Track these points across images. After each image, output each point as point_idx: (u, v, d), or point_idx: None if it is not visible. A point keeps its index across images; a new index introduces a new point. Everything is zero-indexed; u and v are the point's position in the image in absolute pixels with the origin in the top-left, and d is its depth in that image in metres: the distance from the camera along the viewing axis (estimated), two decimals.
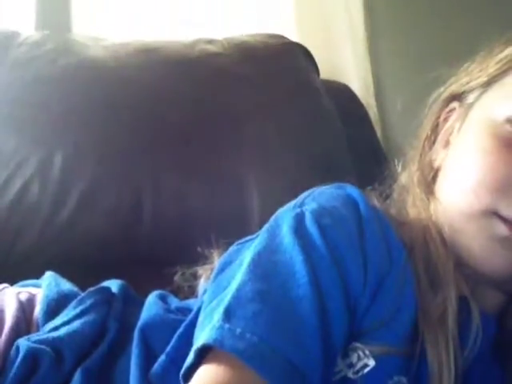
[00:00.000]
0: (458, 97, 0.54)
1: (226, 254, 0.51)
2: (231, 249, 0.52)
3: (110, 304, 0.54)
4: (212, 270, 0.53)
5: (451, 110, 0.55)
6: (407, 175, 0.55)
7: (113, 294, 0.56)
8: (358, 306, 0.44)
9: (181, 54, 0.91)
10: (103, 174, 0.80)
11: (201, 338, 0.41)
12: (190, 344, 0.44)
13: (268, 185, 0.82)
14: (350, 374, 0.43)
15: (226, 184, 0.82)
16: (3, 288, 0.56)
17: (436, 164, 0.53)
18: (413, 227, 0.50)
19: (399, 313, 0.45)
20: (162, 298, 0.56)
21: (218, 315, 0.41)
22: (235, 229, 0.76)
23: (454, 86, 0.55)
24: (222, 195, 0.81)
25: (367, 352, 0.43)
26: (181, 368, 0.42)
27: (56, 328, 0.51)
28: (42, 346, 0.48)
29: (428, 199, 0.52)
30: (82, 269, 0.70)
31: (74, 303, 0.53)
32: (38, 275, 0.61)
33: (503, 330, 0.50)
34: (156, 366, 0.47)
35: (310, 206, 0.46)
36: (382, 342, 0.44)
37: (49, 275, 0.59)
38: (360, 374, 0.43)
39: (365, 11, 1.10)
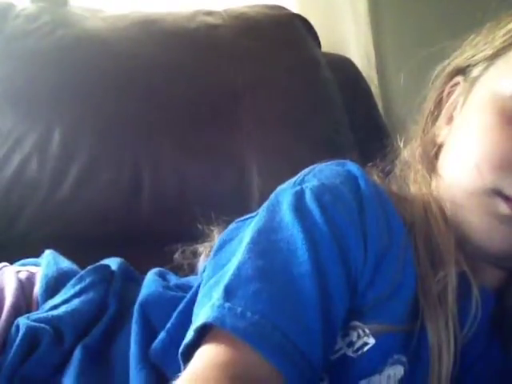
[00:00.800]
0: (462, 71, 0.53)
1: (225, 232, 0.51)
2: (231, 226, 0.51)
3: (109, 282, 0.54)
4: (212, 247, 0.53)
5: (455, 84, 0.53)
6: (409, 151, 0.55)
7: (112, 272, 0.56)
8: (358, 282, 0.44)
9: (179, 26, 0.89)
10: (102, 149, 0.79)
11: (200, 316, 0.41)
12: (190, 321, 0.44)
13: (268, 161, 0.81)
14: (350, 353, 0.43)
15: (225, 160, 0.81)
16: (2, 267, 0.56)
17: (439, 140, 0.53)
18: (414, 203, 0.50)
19: (399, 290, 0.45)
20: (162, 275, 0.56)
21: (217, 293, 0.41)
22: (235, 206, 0.76)
23: (458, 60, 0.53)
24: (221, 172, 0.81)
25: (367, 330, 0.43)
26: (180, 345, 0.42)
27: (55, 306, 0.51)
28: (42, 325, 0.49)
29: (430, 176, 0.51)
30: (81, 245, 0.70)
31: (73, 281, 0.53)
32: (37, 251, 0.60)
33: (503, 307, 0.50)
34: (156, 342, 0.47)
35: (309, 183, 0.46)
36: (381, 320, 0.44)
37: (48, 253, 0.59)
38: (360, 352, 0.43)
39: None
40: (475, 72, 0.51)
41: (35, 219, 0.77)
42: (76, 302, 0.51)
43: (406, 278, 0.45)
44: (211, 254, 0.50)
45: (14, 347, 0.48)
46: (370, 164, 0.54)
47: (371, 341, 0.43)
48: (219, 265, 0.46)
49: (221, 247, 0.49)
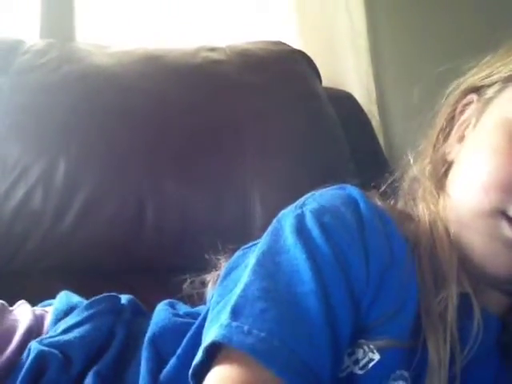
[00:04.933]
0: (476, 89, 0.53)
1: (231, 259, 0.52)
2: (237, 254, 0.52)
3: (119, 312, 0.55)
4: (219, 276, 0.54)
5: (469, 103, 0.54)
6: (419, 167, 0.55)
7: (122, 304, 0.57)
8: (361, 300, 0.44)
9: (183, 62, 0.91)
10: (106, 181, 0.80)
11: (209, 335, 0.42)
12: (199, 346, 0.44)
13: (270, 191, 0.82)
14: (357, 370, 0.44)
15: (228, 191, 0.82)
16: (21, 304, 0.58)
17: (449, 158, 0.53)
18: (420, 222, 0.50)
19: (403, 307, 0.45)
20: (171, 305, 0.57)
21: (225, 315, 0.42)
22: (238, 236, 0.76)
23: (473, 78, 0.53)
24: (224, 203, 0.81)
25: (372, 346, 0.44)
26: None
27: (66, 330, 0.52)
28: (52, 350, 0.49)
29: (438, 194, 0.52)
30: (84, 276, 0.71)
31: (83, 306, 0.55)
32: (40, 281, 0.61)
33: (508, 331, 0.50)
34: (167, 368, 0.48)
35: (310, 206, 0.47)
36: (385, 336, 0.44)
37: (62, 293, 0.60)
38: (365, 369, 0.44)
39: (367, 19, 1.11)
40: (489, 93, 0.52)
41: (38, 250, 0.77)
42: (86, 327, 0.52)
43: (409, 296, 0.45)
44: (218, 281, 0.50)
45: (23, 371, 0.48)
46: (372, 187, 0.55)
47: (376, 356, 0.44)
48: (226, 290, 0.47)
49: (227, 274, 0.50)
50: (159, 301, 0.58)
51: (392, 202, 0.56)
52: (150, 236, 0.80)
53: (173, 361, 0.48)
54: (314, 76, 0.97)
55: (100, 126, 0.83)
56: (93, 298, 0.56)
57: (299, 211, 0.47)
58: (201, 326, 0.48)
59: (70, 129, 0.82)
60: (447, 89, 0.56)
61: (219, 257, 0.57)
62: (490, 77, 0.52)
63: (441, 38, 1.10)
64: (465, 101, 0.54)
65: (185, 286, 0.60)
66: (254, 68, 0.92)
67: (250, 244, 0.51)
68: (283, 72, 0.94)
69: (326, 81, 1.01)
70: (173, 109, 0.86)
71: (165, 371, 0.48)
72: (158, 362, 0.49)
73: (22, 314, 0.55)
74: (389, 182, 0.57)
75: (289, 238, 0.45)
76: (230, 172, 0.83)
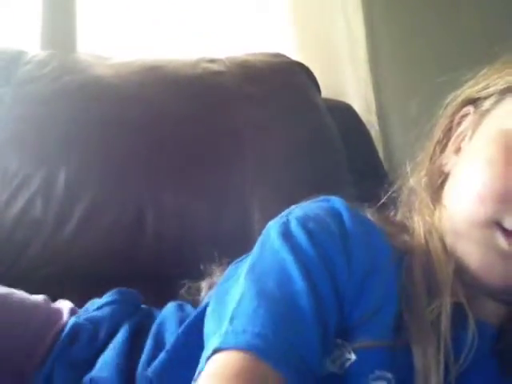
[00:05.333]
0: (473, 101, 0.54)
1: (225, 272, 0.54)
2: (230, 267, 0.54)
3: (138, 305, 0.63)
4: (213, 284, 0.57)
5: (465, 115, 0.54)
6: (416, 179, 0.55)
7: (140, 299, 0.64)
8: (343, 301, 0.46)
9: (184, 73, 0.92)
10: (106, 190, 0.81)
11: (209, 346, 0.43)
12: (188, 345, 0.49)
13: (269, 202, 0.82)
14: (335, 369, 0.45)
15: (227, 201, 0.82)
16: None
17: (446, 169, 0.53)
18: (415, 231, 0.51)
19: (380, 310, 0.46)
20: (180, 306, 0.59)
21: (224, 325, 0.43)
22: (237, 245, 0.76)
23: (470, 90, 0.54)
24: (223, 212, 0.82)
25: (348, 347, 0.45)
26: (179, 367, 0.47)
27: (99, 308, 0.61)
28: (85, 322, 0.58)
29: (434, 205, 0.52)
30: (83, 284, 0.71)
31: (114, 291, 0.63)
32: (40, 288, 0.62)
33: (505, 341, 0.50)
34: (155, 362, 0.50)
35: (295, 214, 0.50)
36: (362, 337, 0.45)
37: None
38: (342, 369, 0.45)
39: (366, 30, 1.11)
40: (486, 105, 0.52)
41: (38, 259, 0.77)
42: (114, 307, 0.61)
43: (388, 300, 0.47)
44: (213, 293, 0.52)
45: (61, 339, 0.57)
46: (372, 199, 0.55)
47: (352, 357, 0.45)
48: (219, 302, 0.48)
49: (221, 285, 0.51)
50: (158, 307, 0.59)
51: (392, 213, 0.56)
52: (149, 244, 0.80)
53: (161, 355, 0.50)
54: (314, 87, 0.98)
55: (100, 135, 0.83)
56: (116, 290, 0.63)
57: (284, 219, 0.50)
58: (191, 325, 0.51)
59: (70, 139, 0.83)
60: (445, 100, 0.57)
61: (214, 266, 0.59)
62: (486, 89, 0.53)
63: (439, 50, 1.11)
64: (462, 112, 0.54)
65: (181, 291, 0.61)
66: (253, 79, 0.93)
67: (243, 257, 0.53)
68: (282, 83, 0.94)
69: (325, 92, 1.02)
70: (172, 119, 0.86)
71: (153, 365, 0.50)
72: (158, 350, 0.52)
73: (63, 302, 0.64)
74: (389, 193, 0.57)
75: (276, 242, 0.48)
76: (230, 182, 0.83)
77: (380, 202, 0.57)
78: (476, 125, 0.52)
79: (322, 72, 1.03)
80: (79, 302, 0.63)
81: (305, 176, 0.86)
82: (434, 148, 0.55)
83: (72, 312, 0.62)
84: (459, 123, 0.54)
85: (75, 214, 0.79)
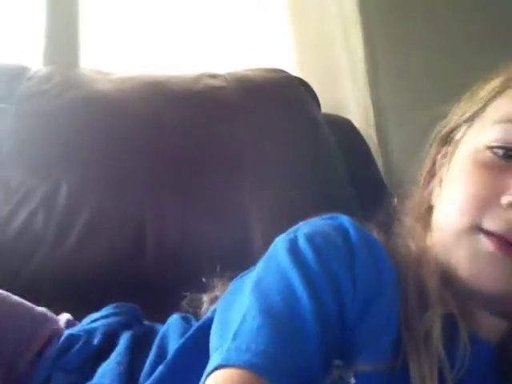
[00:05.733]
0: (448, 138, 0.57)
1: (229, 288, 0.54)
2: (234, 281, 0.54)
3: (138, 317, 0.63)
4: (214, 297, 0.57)
5: (444, 156, 0.57)
6: (407, 209, 0.57)
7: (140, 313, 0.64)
8: (347, 321, 0.46)
9: (185, 87, 0.93)
10: (107, 204, 0.81)
11: (211, 362, 0.43)
12: (187, 358, 0.49)
13: (269, 214, 0.83)
14: None
15: (227, 214, 0.83)
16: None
17: (432, 202, 0.56)
18: (409, 253, 0.53)
19: (383, 332, 0.47)
20: (185, 318, 0.60)
21: (227, 341, 0.43)
22: (237, 258, 0.76)
23: (444, 130, 0.57)
24: (223, 225, 0.82)
25: (349, 371, 0.45)
26: (178, 380, 0.48)
27: (94, 321, 0.62)
28: (79, 332, 0.59)
29: (425, 232, 0.55)
30: (85, 297, 0.71)
31: (111, 306, 0.63)
32: (42, 301, 0.62)
33: (504, 359, 0.51)
34: (154, 375, 0.50)
35: (302, 231, 0.50)
36: (362, 359, 0.45)
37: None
38: None
39: (365, 46, 1.12)
40: (458, 136, 0.56)
41: (40, 271, 0.77)
42: (110, 320, 0.61)
43: (390, 321, 0.47)
44: (217, 308, 0.52)
45: (56, 347, 0.58)
46: (371, 220, 0.56)
47: (352, 380, 0.45)
48: (223, 316, 0.48)
49: (225, 299, 0.51)
50: (159, 319, 0.60)
51: (390, 230, 0.58)
52: (150, 257, 0.80)
53: (160, 368, 0.51)
54: (313, 102, 0.99)
55: (101, 150, 0.84)
56: (117, 304, 0.63)
57: (292, 236, 0.50)
58: (191, 338, 0.51)
59: (71, 153, 0.84)
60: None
61: (216, 280, 0.59)
62: (456, 121, 0.56)
63: (439, 65, 1.12)
64: (441, 154, 0.57)
65: (183, 303, 0.62)
66: (253, 94, 0.93)
67: (247, 271, 0.53)
68: (282, 98, 0.95)
69: (325, 107, 1.03)
70: (173, 133, 0.87)
71: (151, 377, 0.50)
72: (161, 360, 0.52)
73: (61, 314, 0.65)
74: (388, 209, 0.59)
75: (283, 259, 0.47)
76: (229, 196, 0.84)
77: (380, 219, 0.57)
78: (451, 155, 0.55)
79: (322, 87, 1.04)
80: (81, 315, 0.63)
81: (304, 190, 0.86)
82: (422, 184, 0.58)
83: (68, 323, 0.62)
84: (442, 164, 0.57)
85: (76, 227, 0.79)
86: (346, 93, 1.12)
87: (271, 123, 0.91)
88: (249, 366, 0.41)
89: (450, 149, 0.56)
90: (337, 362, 0.45)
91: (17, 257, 0.77)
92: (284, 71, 1.01)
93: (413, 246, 0.53)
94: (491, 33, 1.12)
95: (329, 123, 0.97)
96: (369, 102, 1.11)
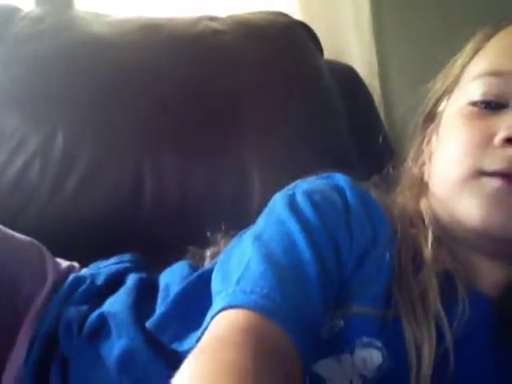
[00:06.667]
0: (431, 115, 0.58)
1: (230, 243, 0.55)
2: (235, 238, 0.55)
3: (141, 265, 0.65)
4: (216, 252, 0.58)
5: (430, 132, 0.57)
6: (401, 180, 0.58)
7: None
8: (343, 271, 0.48)
9: (184, 31, 0.90)
10: (104, 153, 0.80)
11: (215, 305, 0.44)
12: (187, 302, 0.52)
13: (268, 167, 0.82)
14: (324, 334, 0.47)
15: (226, 166, 0.82)
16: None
17: (425, 177, 0.57)
18: (403, 214, 0.54)
19: (373, 280, 0.49)
20: (190, 265, 0.61)
21: (230, 286, 0.45)
22: (235, 211, 0.76)
23: (429, 104, 0.58)
24: (222, 177, 0.81)
25: (338, 313, 0.47)
26: (178, 321, 0.50)
27: (97, 269, 0.63)
28: (87, 275, 0.61)
29: (417, 199, 0.56)
30: (81, 247, 0.71)
31: (115, 257, 0.65)
32: None
33: (504, 314, 0.51)
34: (154, 316, 0.53)
35: (300, 188, 0.52)
36: (352, 303, 0.48)
37: None
38: (331, 333, 0.47)
39: None
40: (440, 108, 0.57)
41: (37, 221, 0.77)
42: (112, 266, 0.63)
43: (381, 273, 0.49)
44: (219, 259, 0.53)
45: (66, 285, 0.60)
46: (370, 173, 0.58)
47: (341, 323, 0.47)
48: (225, 265, 0.50)
49: (226, 252, 0.53)
50: (160, 273, 0.60)
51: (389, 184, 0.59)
52: (148, 208, 0.79)
53: (160, 310, 0.53)
54: (316, 48, 0.96)
55: (98, 97, 0.82)
56: (123, 255, 0.65)
57: (290, 192, 0.52)
58: (192, 284, 0.53)
59: (67, 99, 0.82)
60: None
61: (218, 234, 0.60)
62: (437, 99, 0.57)
63: (444, 14, 1.09)
64: (428, 131, 0.58)
65: (186, 257, 0.62)
66: (254, 39, 0.91)
67: (246, 229, 0.53)
68: (284, 44, 0.92)
69: (328, 53, 1.00)
70: (172, 79, 0.85)
71: (152, 318, 0.52)
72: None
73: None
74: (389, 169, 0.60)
75: (282, 213, 0.50)
76: (229, 145, 0.83)
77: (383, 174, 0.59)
78: (437, 126, 0.56)
79: (325, 33, 1.02)
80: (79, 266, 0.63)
81: (305, 139, 0.85)
82: (410, 164, 0.58)
83: (70, 268, 0.63)
84: (428, 141, 0.58)
85: (73, 177, 0.78)
86: (349, 40, 1.10)
87: (272, 69, 0.88)
88: (254, 307, 0.42)
89: (435, 123, 0.57)
90: (330, 305, 0.47)
91: (13, 207, 0.77)
92: (287, 15, 0.98)
93: (406, 209, 0.54)
94: None
95: (331, 70, 0.95)
96: (373, 49, 1.09)
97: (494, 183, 0.48)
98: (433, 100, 0.57)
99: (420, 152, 0.58)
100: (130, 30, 0.88)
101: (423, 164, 0.57)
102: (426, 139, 0.58)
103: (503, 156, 0.48)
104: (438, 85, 0.58)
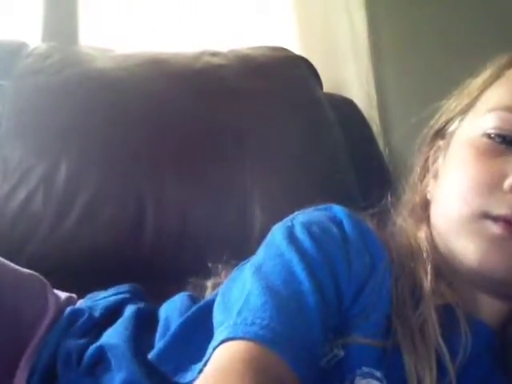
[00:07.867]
0: (441, 134, 0.57)
1: (231, 274, 0.55)
2: (236, 269, 0.55)
3: (141, 297, 0.64)
4: (217, 283, 0.59)
5: (437, 150, 0.58)
6: (401, 204, 0.59)
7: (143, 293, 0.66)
8: (343, 302, 0.48)
9: (186, 66, 0.92)
10: (107, 184, 0.81)
11: (217, 337, 0.45)
12: (188, 334, 0.52)
13: (269, 198, 0.82)
14: (322, 364, 0.47)
15: (228, 197, 0.82)
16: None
17: (428, 196, 0.57)
18: (401, 246, 0.54)
19: (372, 311, 0.49)
20: (190, 296, 0.61)
21: (231, 318, 0.45)
22: (236, 242, 0.76)
23: (437, 125, 0.58)
24: (223, 208, 0.82)
25: (338, 343, 0.47)
26: (179, 354, 0.50)
27: (95, 301, 0.63)
28: (85, 308, 0.61)
29: (418, 226, 0.56)
30: (84, 278, 0.71)
31: (113, 288, 0.64)
32: None
33: (505, 340, 0.51)
34: (155, 349, 0.53)
35: (299, 219, 0.53)
36: (352, 334, 0.48)
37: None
38: (330, 364, 0.47)
39: (368, 25, 1.10)
40: (452, 128, 0.57)
41: (39, 252, 0.77)
42: (111, 298, 0.63)
43: (379, 303, 0.49)
44: (219, 291, 0.53)
45: (60, 322, 0.59)
46: (369, 205, 0.58)
47: (341, 353, 0.47)
48: (226, 297, 0.51)
49: (227, 284, 0.53)
50: (159, 304, 0.60)
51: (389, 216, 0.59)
52: (150, 239, 0.80)
53: (162, 342, 0.53)
54: (315, 82, 0.98)
55: (101, 129, 0.83)
56: (122, 285, 0.65)
57: (289, 223, 0.52)
58: (193, 316, 0.53)
59: (71, 132, 0.83)
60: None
61: (219, 265, 0.61)
62: (448, 115, 0.57)
63: (443, 45, 1.11)
64: (434, 148, 0.58)
65: (187, 288, 0.62)
66: (255, 73, 0.92)
67: (248, 260, 0.54)
68: (284, 77, 0.94)
69: (327, 87, 1.02)
70: (173, 112, 0.86)
71: (153, 351, 0.52)
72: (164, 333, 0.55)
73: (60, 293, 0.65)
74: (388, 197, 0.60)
75: (281, 245, 0.50)
76: (231, 177, 0.83)
77: (378, 204, 0.59)
78: (446, 147, 0.56)
79: (324, 66, 1.03)
80: (79, 295, 0.63)
81: (305, 171, 0.86)
82: (415, 180, 0.59)
83: (68, 300, 0.63)
84: (434, 160, 0.58)
85: (76, 208, 0.79)
86: (348, 72, 1.11)
87: (272, 102, 0.90)
88: (254, 338, 0.43)
89: (443, 142, 0.57)
90: (329, 335, 0.47)
91: (16, 237, 0.77)
92: (286, 50, 1.00)
93: (405, 239, 0.55)
94: (498, 11, 1.11)
95: (331, 103, 0.96)
96: (371, 81, 1.10)
97: (496, 229, 0.48)
98: (444, 118, 0.57)
99: (425, 170, 0.58)
100: (133, 65, 0.90)
101: (427, 185, 0.57)
102: (431, 157, 0.58)
103: (510, 203, 0.48)
104: (452, 104, 0.57)
